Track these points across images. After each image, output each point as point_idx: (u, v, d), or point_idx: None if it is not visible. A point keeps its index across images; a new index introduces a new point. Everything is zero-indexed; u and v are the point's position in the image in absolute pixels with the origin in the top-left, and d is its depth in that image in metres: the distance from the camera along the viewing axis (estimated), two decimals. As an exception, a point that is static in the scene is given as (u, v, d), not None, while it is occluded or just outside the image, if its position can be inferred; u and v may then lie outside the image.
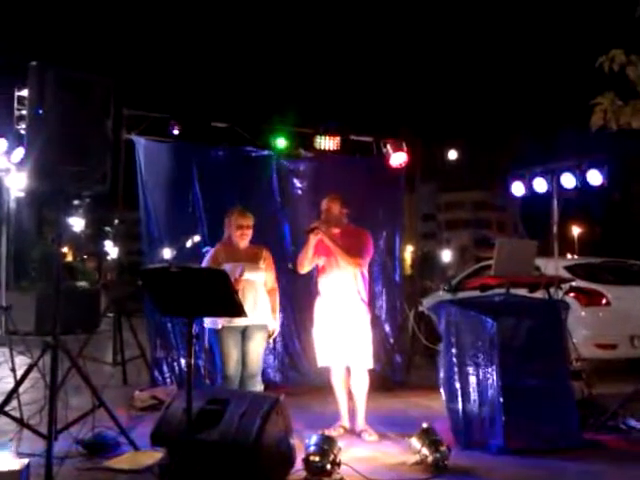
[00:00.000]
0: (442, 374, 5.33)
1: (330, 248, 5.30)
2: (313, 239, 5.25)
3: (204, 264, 5.20)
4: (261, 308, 5.23)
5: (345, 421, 5.37)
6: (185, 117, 7.26)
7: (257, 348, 5.23)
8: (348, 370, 5.39)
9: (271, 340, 5.49)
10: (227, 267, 5.05)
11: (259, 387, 5.26)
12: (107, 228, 35.11)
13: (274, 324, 5.40)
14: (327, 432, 4.57)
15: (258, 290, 5.24)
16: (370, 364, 5.35)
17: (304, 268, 5.41)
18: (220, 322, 5.04)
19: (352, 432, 5.28)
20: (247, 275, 5.12)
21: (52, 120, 4.32)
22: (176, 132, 7.17)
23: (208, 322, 5.15)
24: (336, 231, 5.39)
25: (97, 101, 4.51)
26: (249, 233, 5.35)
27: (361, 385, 5.31)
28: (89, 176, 4.49)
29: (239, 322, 5.03)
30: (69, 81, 4.41)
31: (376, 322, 7.63)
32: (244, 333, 5.17)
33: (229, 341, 5.10)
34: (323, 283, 5.41)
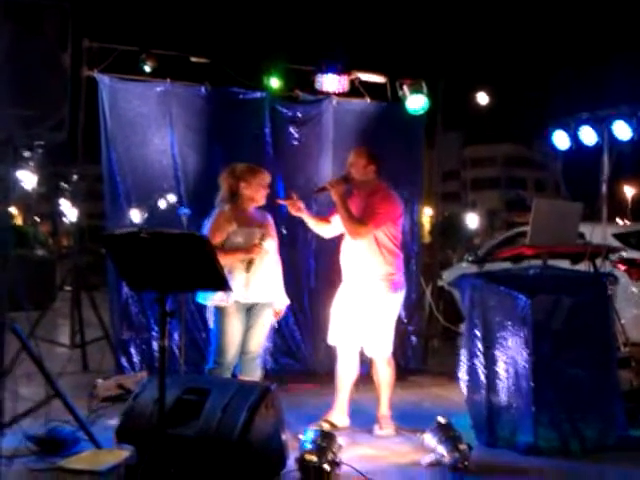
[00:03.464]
0: (464, 360, 5.39)
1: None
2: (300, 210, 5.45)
3: (206, 230, 5.19)
4: (274, 282, 5.35)
5: (336, 415, 5.44)
6: (159, 50, 7.21)
7: (264, 327, 5.36)
8: (361, 358, 5.52)
9: (275, 321, 5.56)
10: (242, 233, 5.19)
11: (258, 373, 5.37)
12: (64, 185, 35.08)
13: (284, 301, 5.49)
14: (311, 428, 4.65)
15: (271, 261, 5.34)
16: (386, 352, 5.45)
17: (323, 234, 5.73)
18: (232, 297, 5.08)
19: (345, 429, 5.33)
20: (265, 243, 5.19)
21: (-5, 54, 4.30)
22: (148, 69, 7.12)
23: (215, 299, 5.16)
24: (358, 192, 5.48)
25: (51, 31, 4.48)
26: None
27: (380, 375, 5.46)
28: (42, 122, 4.48)
29: (253, 297, 5.18)
30: (15, 6, 4.38)
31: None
32: (250, 310, 5.27)
33: (235, 320, 5.17)
34: (341, 253, 5.54)
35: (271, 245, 5.34)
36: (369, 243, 5.34)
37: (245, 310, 5.24)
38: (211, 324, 5.33)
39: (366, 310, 5.35)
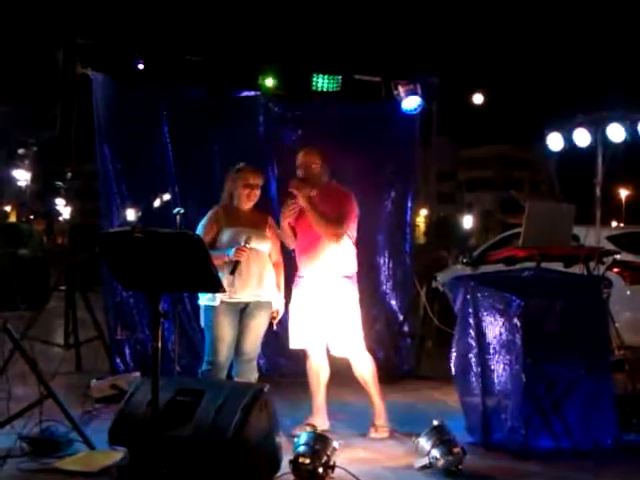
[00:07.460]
0: (457, 362, 5.38)
1: (305, 212, 5.35)
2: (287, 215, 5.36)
3: (199, 229, 5.24)
4: (267, 283, 5.32)
5: (318, 418, 5.42)
6: (153, 49, 7.20)
7: (258, 328, 5.33)
8: (330, 357, 5.49)
9: (275, 323, 5.50)
10: (228, 232, 5.22)
11: (255, 374, 5.35)
12: (58, 183, 34.99)
13: (280, 303, 5.46)
14: (294, 432, 4.63)
15: (264, 262, 5.33)
16: (360, 348, 5.41)
17: (290, 245, 5.56)
18: (218, 297, 5.09)
19: (326, 431, 5.29)
20: (253, 244, 5.16)
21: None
22: (141, 67, 7.12)
23: (204, 298, 5.21)
24: (313, 193, 5.42)
25: (44, 29, 4.47)
26: (257, 194, 5.42)
27: (362, 372, 5.42)
28: (35, 119, 4.47)
29: (241, 297, 5.16)
30: (8, 4, 4.36)
31: (379, 300, 7.71)
32: (244, 311, 5.26)
33: (225, 320, 5.17)
34: (298, 254, 5.51)
35: (266, 246, 5.33)
36: (328, 240, 5.32)
37: (237, 311, 5.23)
38: (202, 323, 5.33)
39: (333, 309, 5.32)
